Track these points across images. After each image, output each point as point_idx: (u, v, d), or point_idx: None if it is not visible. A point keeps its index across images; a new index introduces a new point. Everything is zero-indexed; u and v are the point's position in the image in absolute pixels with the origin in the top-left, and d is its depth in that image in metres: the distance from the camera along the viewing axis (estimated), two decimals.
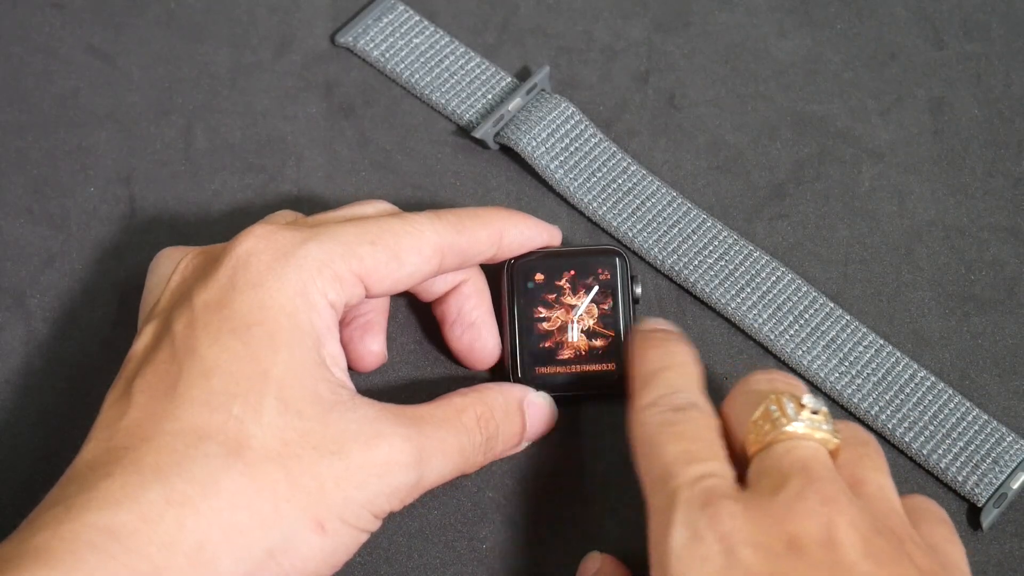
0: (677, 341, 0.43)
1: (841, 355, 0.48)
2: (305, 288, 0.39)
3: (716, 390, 0.45)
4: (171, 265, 0.44)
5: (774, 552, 0.34)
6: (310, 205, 0.51)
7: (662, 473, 0.37)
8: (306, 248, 0.40)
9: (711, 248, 0.50)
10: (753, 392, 0.39)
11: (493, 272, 0.47)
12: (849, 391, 0.47)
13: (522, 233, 0.45)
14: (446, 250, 0.42)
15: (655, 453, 0.38)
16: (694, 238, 0.50)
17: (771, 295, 0.49)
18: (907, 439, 0.46)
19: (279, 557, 0.36)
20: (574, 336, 0.46)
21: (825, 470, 0.37)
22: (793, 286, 0.49)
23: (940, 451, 0.46)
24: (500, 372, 0.46)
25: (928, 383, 0.47)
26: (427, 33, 0.54)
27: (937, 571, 0.35)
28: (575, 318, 0.46)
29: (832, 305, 0.49)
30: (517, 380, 0.45)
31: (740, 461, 0.39)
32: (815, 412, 0.38)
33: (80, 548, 0.34)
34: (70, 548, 0.34)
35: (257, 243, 0.40)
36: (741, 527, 0.35)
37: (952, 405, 0.47)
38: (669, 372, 0.41)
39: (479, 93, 0.53)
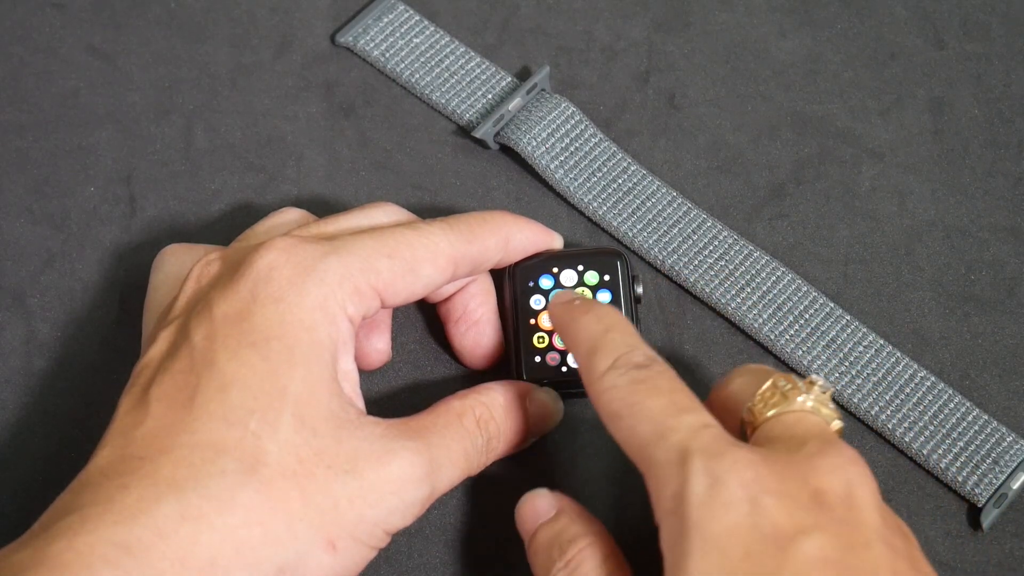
0: (602, 305, 0.41)
1: (841, 355, 0.48)
2: (325, 302, 0.39)
3: None
4: (178, 264, 0.44)
5: (799, 504, 0.34)
6: (310, 205, 0.51)
7: (655, 429, 0.36)
8: (327, 262, 0.40)
9: (711, 248, 0.50)
10: (756, 371, 0.39)
11: (497, 274, 0.47)
12: (849, 391, 0.47)
13: (527, 238, 0.46)
14: (459, 260, 0.43)
15: (636, 413, 0.37)
16: (694, 238, 0.50)
17: (771, 295, 0.49)
18: (907, 439, 0.46)
19: (289, 575, 0.37)
20: None
21: (839, 438, 0.37)
22: (793, 286, 0.49)
23: (940, 451, 0.46)
24: (502, 373, 0.46)
25: (928, 383, 0.47)
26: (427, 33, 0.54)
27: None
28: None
29: (832, 305, 0.49)
30: (521, 379, 0.45)
31: (735, 434, 0.38)
32: (823, 391, 0.38)
33: (95, 563, 0.34)
34: (86, 562, 0.34)
35: (278, 256, 0.40)
36: (764, 476, 0.34)
37: (952, 405, 0.47)
38: (613, 333, 0.39)
39: (479, 93, 0.53)
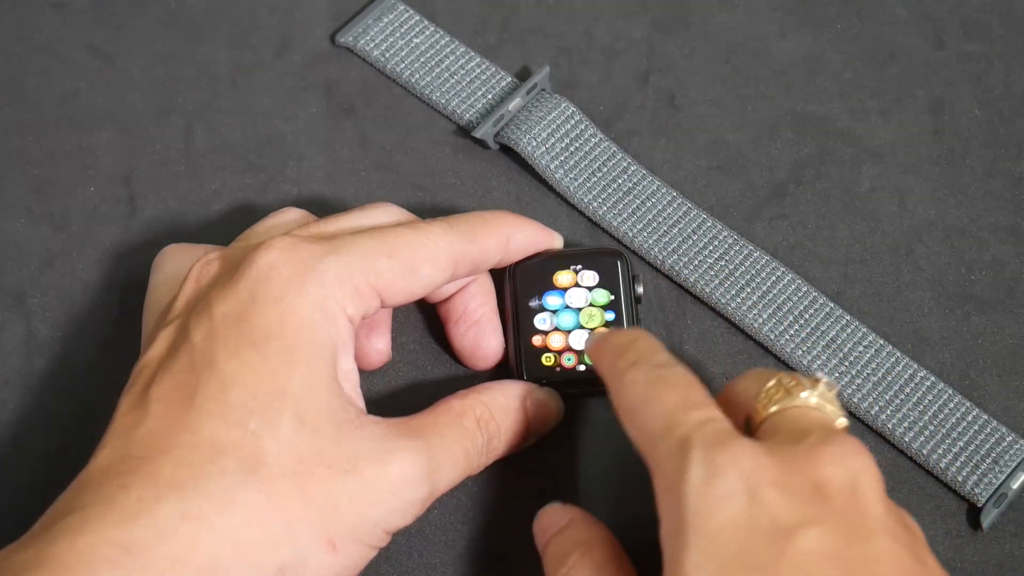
0: (637, 329, 0.42)
1: (841, 355, 0.48)
2: (325, 302, 0.39)
3: (715, 391, 0.45)
4: (178, 264, 0.44)
5: (800, 496, 0.34)
6: (310, 205, 0.51)
7: (664, 423, 0.36)
8: (326, 262, 0.40)
9: (711, 248, 0.50)
10: (763, 372, 0.40)
11: (498, 274, 0.47)
12: (849, 391, 0.47)
13: (527, 238, 0.46)
14: (459, 260, 0.43)
15: (650, 408, 0.37)
16: (694, 238, 0.50)
17: (771, 295, 0.49)
18: (907, 439, 0.46)
19: (289, 575, 0.37)
20: (577, 335, 0.46)
21: (843, 430, 0.37)
22: (793, 286, 0.49)
23: (940, 451, 0.46)
24: (503, 373, 0.46)
25: (928, 383, 0.47)
26: (427, 33, 0.54)
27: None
28: (578, 317, 0.46)
29: (832, 305, 0.49)
30: (522, 379, 0.45)
31: (741, 433, 0.39)
32: (829, 389, 0.38)
33: (96, 563, 0.34)
34: (87, 563, 0.34)
35: (278, 256, 0.40)
36: (765, 466, 0.34)
37: (952, 405, 0.47)
38: (640, 342, 0.40)
39: (479, 93, 0.53)
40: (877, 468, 0.35)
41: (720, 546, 0.33)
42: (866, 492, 0.34)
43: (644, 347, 0.39)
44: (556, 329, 0.46)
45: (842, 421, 0.38)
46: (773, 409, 0.38)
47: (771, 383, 0.38)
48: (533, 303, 0.46)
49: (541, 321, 0.46)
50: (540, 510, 0.42)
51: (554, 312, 0.46)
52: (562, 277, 0.46)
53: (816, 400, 0.38)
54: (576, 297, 0.46)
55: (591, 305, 0.46)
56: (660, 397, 0.37)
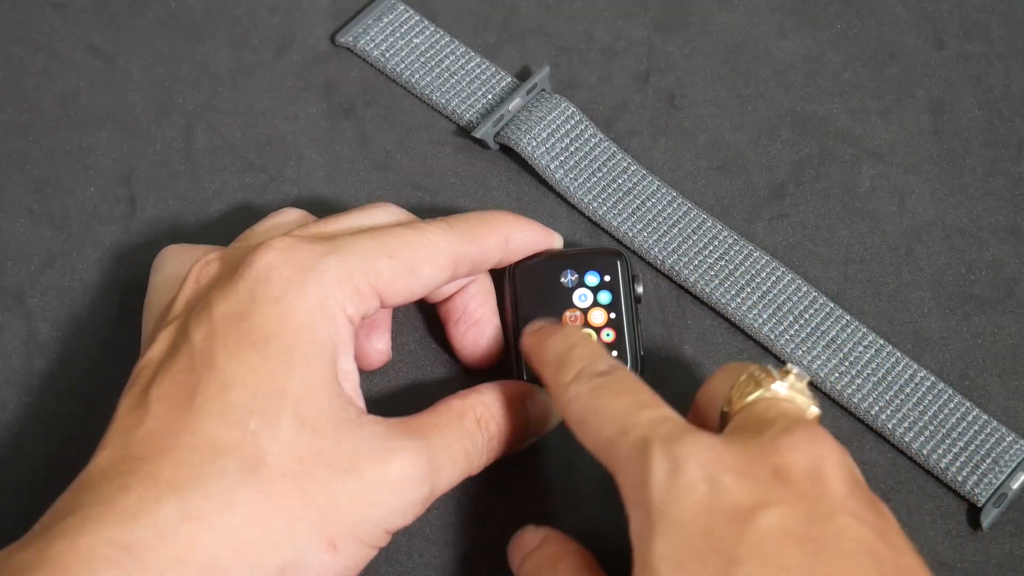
0: (568, 326, 0.43)
1: (841, 355, 0.48)
2: (325, 302, 0.39)
3: None
4: (178, 265, 0.44)
5: (759, 480, 0.34)
6: (310, 205, 0.51)
7: (618, 427, 0.37)
8: (326, 262, 0.40)
9: (711, 248, 0.50)
10: (735, 366, 0.40)
11: (498, 274, 0.47)
12: (849, 391, 0.47)
13: (527, 238, 0.46)
14: (459, 260, 0.43)
15: (600, 416, 0.38)
16: (694, 238, 0.50)
17: (771, 295, 0.49)
18: (907, 439, 0.46)
19: (290, 574, 0.37)
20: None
21: (811, 420, 0.37)
22: (793, 286, 0.49)
23: (940, 451, 0.46)
24: (502, 373, 0.46)
25: (928, 383, 0.47)
26: (427, 33, 0.54)
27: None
28: (578, 318, 0.46)
29: (832, 305, 0.49)
30: (522, 379, 0.45)
31: (716, 429, 0.39)
32: (799, 379, 0.39)
33: (97, 563, 0.34)
34: (87, 563, 0.34)
35: (278, 256, 0.40)
36: (723, 456, 0.35)
37: (952, 405, 0.47)
38: (578, 348, 0.41)
39: (479, 93, 0.53)
40: (844, 454, 0.36)
41: (684, 532, 0.34)
42: (829, 475, 0.35)
43: (583, 354, 0.40)
44: (596, 304, 0.46)
45: (813, 410, 0.39)
46: (745, 401, 0.38)
47: (742, 377, 0.39)
48: (533, 302, 0.46)
49: (541, 320, 0.46)
50: (514, 535, 0.42)
51: (554, 311, 0.46)
52: (562, 276, 0.46)
53: (786, 391, 0.38)
54: (575, 296, 0.46)
55: (591, 304, 0.46)
56: (607, 405, 0.38)
